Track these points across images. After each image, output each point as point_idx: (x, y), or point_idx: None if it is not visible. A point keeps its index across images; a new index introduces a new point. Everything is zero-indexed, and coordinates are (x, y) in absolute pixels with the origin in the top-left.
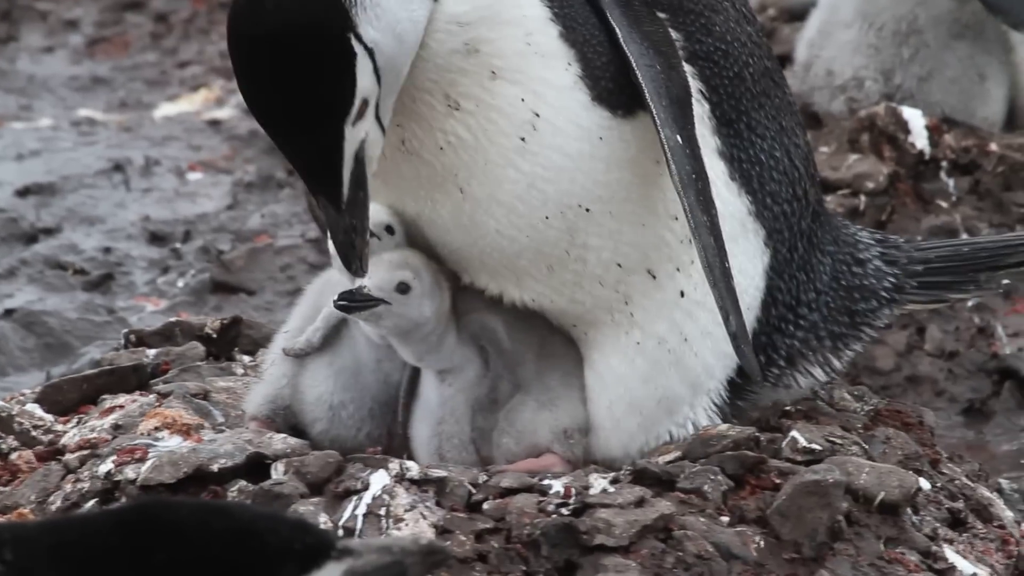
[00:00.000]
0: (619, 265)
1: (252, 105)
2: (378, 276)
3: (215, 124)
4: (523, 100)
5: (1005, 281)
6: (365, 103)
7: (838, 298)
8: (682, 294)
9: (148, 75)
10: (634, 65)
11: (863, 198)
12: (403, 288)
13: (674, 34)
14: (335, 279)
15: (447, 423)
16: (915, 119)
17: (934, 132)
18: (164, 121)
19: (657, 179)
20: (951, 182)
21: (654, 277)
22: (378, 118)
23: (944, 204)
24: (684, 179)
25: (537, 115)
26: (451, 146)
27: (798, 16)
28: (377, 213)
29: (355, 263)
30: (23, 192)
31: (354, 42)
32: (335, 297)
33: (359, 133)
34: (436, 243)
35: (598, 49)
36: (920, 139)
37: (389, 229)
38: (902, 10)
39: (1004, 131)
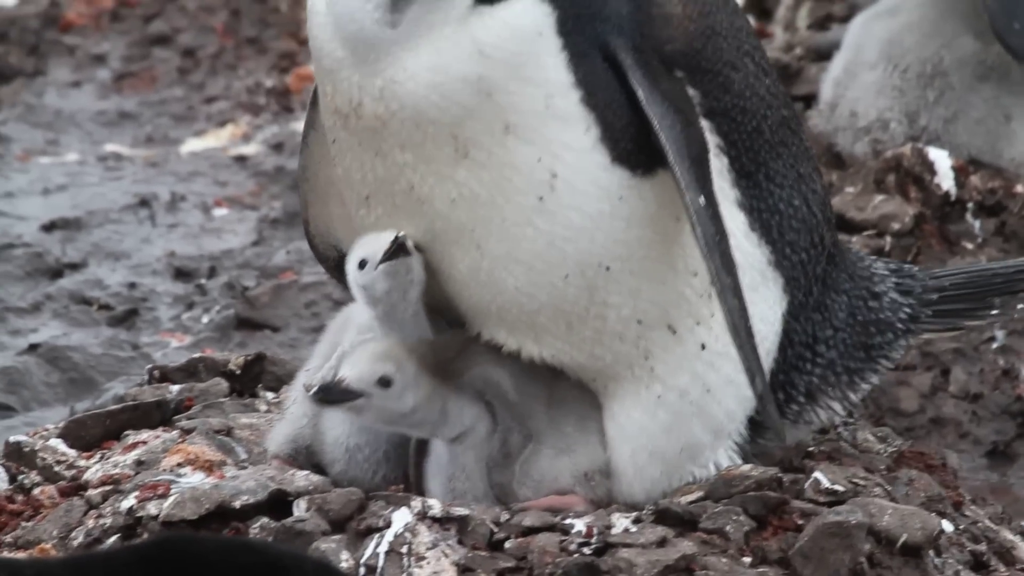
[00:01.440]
0: (639, 322)
1: None
2: (359, 369)
3: (241, 160)
4: (540, 160)
5: (1020, 306)
6: None
7: (854, 334)
8: (703, 346)
9: (175, 110)
10: (656, 127)
11: (889, 239)
12: (385, 382)
13: (691, 91)
14: (355, 316)
15: (458, 480)
16: (941, 160)
17: (960, 173)
18: (190, 156)
19: (677, 236)
20: (977, 223)
21: (674, 332)
22: None
23: (970, 245)
24: (709, 242)
25: (555, 175)
26: (464, 199)
27: (825, 55)
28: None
29: None
30: (49, 227)
31: None
32: (312, 389)
33: None
34: (453, 298)
35: (618, 112)
36: (946, 180)
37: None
38: (927, 52)
39: None
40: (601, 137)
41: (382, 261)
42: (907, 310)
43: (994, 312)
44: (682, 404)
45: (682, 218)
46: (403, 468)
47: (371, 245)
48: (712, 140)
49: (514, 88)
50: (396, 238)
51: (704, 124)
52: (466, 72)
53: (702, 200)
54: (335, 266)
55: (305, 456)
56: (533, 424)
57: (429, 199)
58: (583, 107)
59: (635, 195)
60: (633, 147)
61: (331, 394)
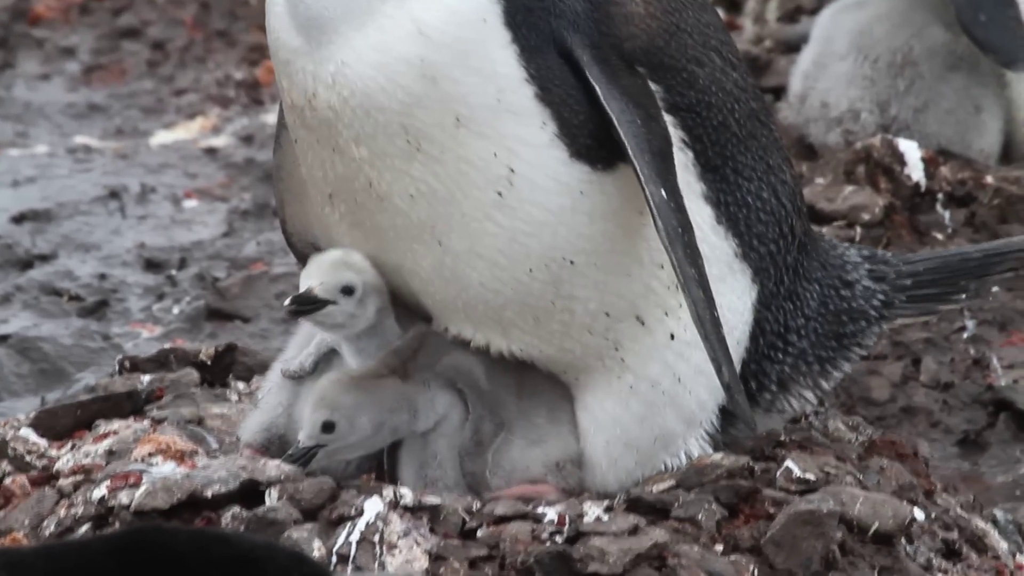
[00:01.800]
0: (607, 314)
1: None
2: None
3: (211, 152)
4: (496, 155)
5: (995, 289)
6: None
7: (826, 323)
8: (672, 336)
9: (144, 103)
10: (615, 122)
11: (859, 230)
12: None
13: (654, 87)
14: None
15: (431, 467)
16: (911, 151)
17: (930, 164)
18: (160, 149)
19: (641, 229)
20: (947, 214)
21: (643, 323)
22: None
23: (940, 236)
24: (671, 234)
25: (512, 171)
26: (423, 196)
27: (794, 48)
28: (336, 273)
29: None
30: (19, 219)
31: None
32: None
33: None
34: (420, 294)
35: (575, 108)
36: (916, 171)
37: (347, 290)
38: (897, 42)
39: (1000, 163)
40: (558, 133)
41: (293, 315)
42: (880, 297)
43: (967, 296)
44: (654, 394)
45: (645, 212)
46: (376, 458)
47: (308, 278)
48: (676, 135)
49: (461, 77)
50: (295, 297)
51: (668, 119)
52: (408, 53)
53: (663, 193)
54: None
55: (278, 445)
56: (504, 413)
57: (388, 196)
58: (538, 103)
59: (596, 190)
60: (592, 142)
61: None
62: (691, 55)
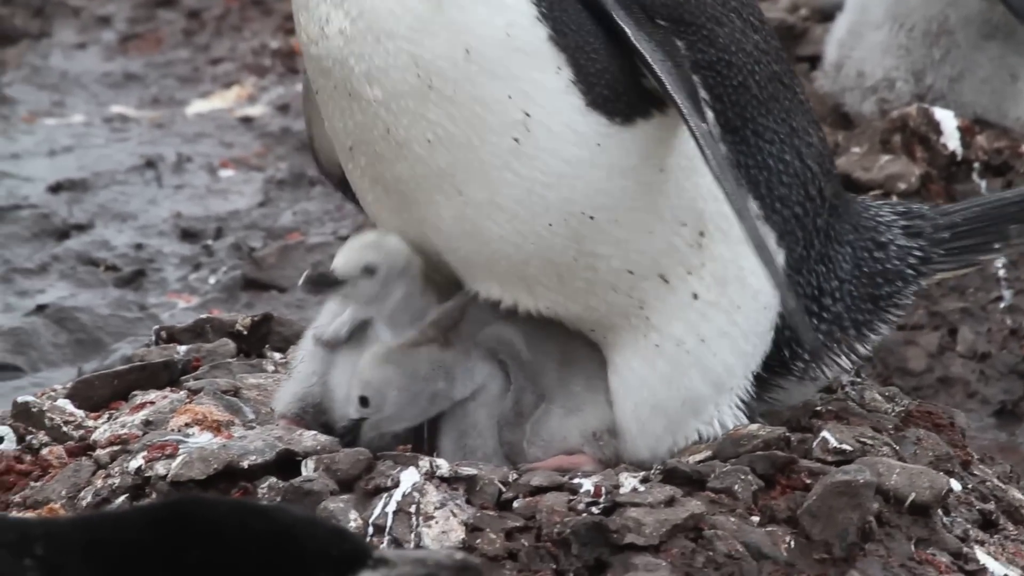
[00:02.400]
0: (630, 272)
1: None
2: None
3: (247, 121)
4: (510, 97)
5: None
6: None
7: (861, 286)
8: (695, 296)
9: (180, 72)
10: (648, 60)
11: (895, 199)
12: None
13: (676, 42)
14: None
15: (470, 436)
16: (947, 120)
17: (966, 133)
18: (196, 118)
19: (661, 186)
20: (983, 183)
21: (667, 281)
22: None
23: None
24: (720, 163)
25: (528, 115)
26: (440, 140)
27: (830, 16)
28: (361, 253)
29: None
30: (55, 188)
31: None
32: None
33: None
34: (444, 251)
35: (592, 56)
36: (952, 140)
37: (368, 270)
38: (932, 11)
39: None
40: (574, 79)
41: (308, 292)
42: (917, 254)
43: (1009, 243)
44: (679, 353)
45: (665, 169)
46: (413, 427)
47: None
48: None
49: (467, 4)
50: (309, 275)
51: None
52: None
53: (705, 126)
54: (339, 182)
55: (312, 415)
56: (545, 383)
57: (407, 142)
58: (552, 45)
59: (614, 143)
60: (609, 93)
61: (317, 281)
62: (710, 13)
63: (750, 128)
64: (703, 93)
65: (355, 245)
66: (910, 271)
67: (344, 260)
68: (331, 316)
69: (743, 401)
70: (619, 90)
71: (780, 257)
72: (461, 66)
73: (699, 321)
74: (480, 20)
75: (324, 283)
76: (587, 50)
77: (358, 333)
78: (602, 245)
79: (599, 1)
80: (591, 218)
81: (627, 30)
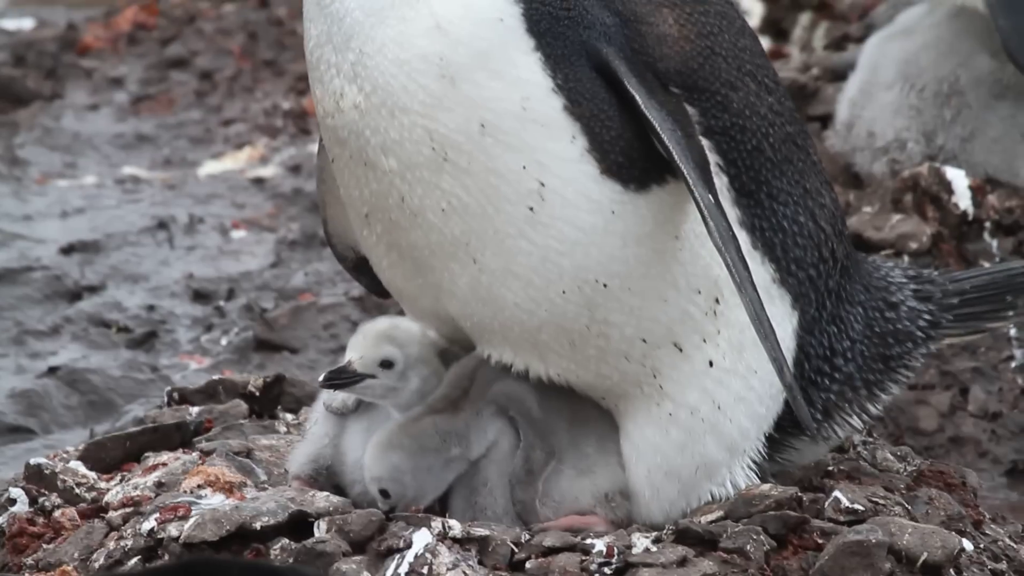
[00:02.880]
0: (643, 340)
1: None
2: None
3: (259, 182)
4: (525, 168)
5: None
6: None
7: (872, 346)
8: (711, 363)
9: (192, 133)
10: (658, 129)
11: (906, 258)
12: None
13: (689, 109)
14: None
15: (480, 495)
16: (958, 180)
17: (977, 193)
18: (208, 179)
19: (676, 254)
20: (994, 243)
21: (681, 349)
22: None
23: (988, 265)
24: (724, 236)
25: (543, 184)
26: (454, 210)
27: (841, 76)
28: (377, 347)
29: None
30: (67, 250)
31: None
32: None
33: None
34: (458, 316)
35: (607, 123)
36: (963, 200)
37: (387, 364)
38: (943, 71)
39: None
40: (588, 147)
41: (330, 388)
42: (926, 317)
43: (1015, 312)
44: (693, 421)
45: (680, 236)
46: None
47: (352, 349)
48: (711, 159)
49: (482, 80)
50: (331, 372)
51: (703, 142)
52: (426, 49)
53: (711, 197)
54: (353, 267)
55: (326, 477)
56: (555, 441)
57: (421, 211)
58: (567, 115)
59: (629, 211)
60: (624, 160)
61: (339, 377)
62: (725, 79)
63: (764, 191)
64: (717, 158)
65: (370, 337)
66: (920, 333)
67: (361, 356)
68: None
69: (755, 462)
70: (633, 157)
71: (794, 319)
72: (476, 139)
73: (715, 388)
74: (495, 95)
75: (343, 380)
76: (601, 118)
77: (367, 403)
78: (615, 313)
79: (612, 69)
80: (604, 286)
81: (638, 98)
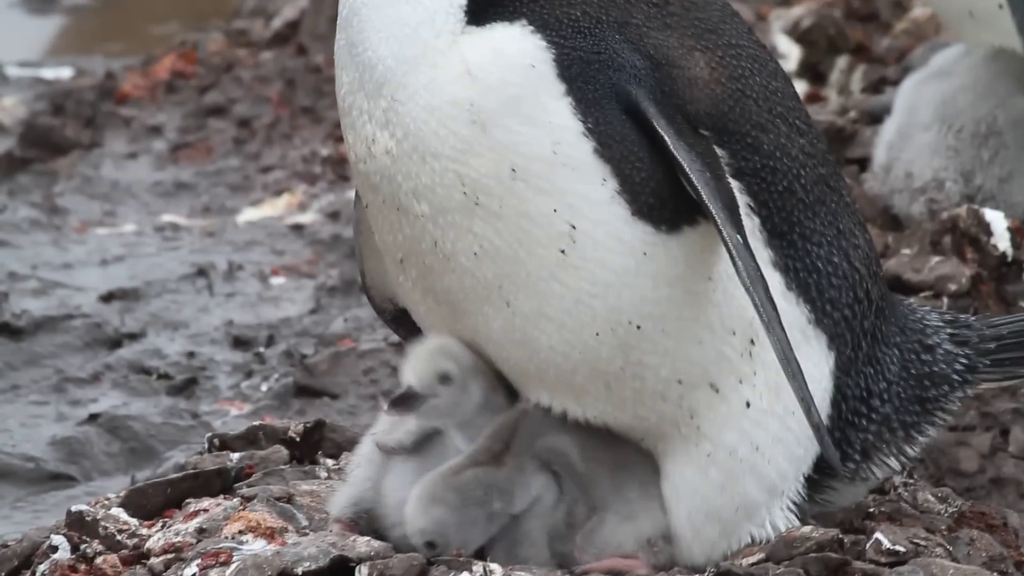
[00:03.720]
0: (679, 381)
1: None
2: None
3: (298, 229)
4: (556, 211)
5: None
6: None
7: (908, 388)
8: (748, 404)
9: (231, 180)
10: (687, 170)
11: (945, 300)
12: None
13: (719, 151)
14: None
15: (522, 547)
16: (997, 221)
17: (1016, 234)
18: (247, 226)
19: (710, 295)
20: None
21: (717, 391)
22: None
23: None
24: (752, 276)
25: (574, 227)
26: (486, 253)
27: (878, 118)
28: (431, 363)
29: None
30: (107, 297)
31: None
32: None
33: None
34: (495, 360)
35: (637, 165)
36: (1003, 241)
37: (444, 379)
38: (981, 112)
39: None
40: (619, 189)
41: (410, 412)
42: (963, 361)
43: None
44: (732, 462)
45: (714, 277)
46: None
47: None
48: (742, 200)
49: (513, 126)
50: (395, 399)
51: (733, 184)
52: (457, 96)
53: (739, 237)
54: (392, 319)
55: (367, 521)
56: (597, 492)
57: (454, 255)
58: (597, 158)
59: (660, 252)
60: (655, 201)
61: (406, 402)
62: (755, 121)
63: (797, 232)
64: (748, 199)
65: (422, 357)
66: (956, 377)
67: (417, 374)
68: (392, 423)
69: (795, 503)
70: (664, 198)
71: (831, 360)
72: (507, 183)
73: (752, 429)
74: (526, 140)
75: (409, 402)
76: (632, 160)
77: (425, 444)
78: (650, 355)
79: (642, 111)
80: (638, 327)
81: (667, 139)
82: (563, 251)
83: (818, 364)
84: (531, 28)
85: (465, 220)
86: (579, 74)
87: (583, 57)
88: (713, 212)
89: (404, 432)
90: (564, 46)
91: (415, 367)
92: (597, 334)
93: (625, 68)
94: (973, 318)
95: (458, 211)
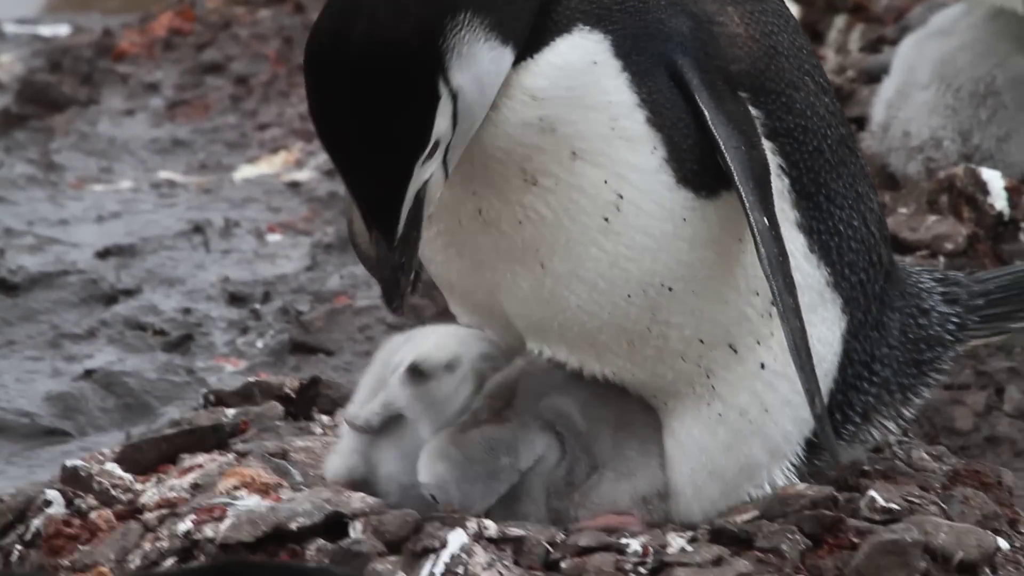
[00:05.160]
0: (701, 341)
1: (321, 130)
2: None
3: (294, 186)
4: (606, 182)
5: None
6: (436, 145)
7: (906, 351)
8: (763, 366)
9: (228, 137)
10: (722, 148)
11: (942, 259)
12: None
13: (754, 112)
14: (397, 347)
15: (522, 503)
16: (994, 180)
17: (1013, 193)
18: (244, 183)
19: (739, 256)
20: None
21: (735, 351)
22: (445, 162)
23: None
24: (772, 263)
25: (621, 196)
26: (531, 221)
27: (877, 77)
28: (437, 351)
29: (396, 300)
30: (103, 254)
31: (441, 86)
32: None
33: (425, 173)
34: (514, 315)
35: (684, 132)
36: (999, 200)
37: (449, 367)
38: (979, 71)
39: None
40: (667, 158)
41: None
42: (955, 320)
43: None
44: (741, 423)
45: (744, 239)
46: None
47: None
48: (774, 161)
49: (577, 118)
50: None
51: (767, 145)
52: (526, 118)
53: (765, 221)
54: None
55: (362, 486)
56: (599, 450)
57: (496, 222)
58: (649, 127)
59: (698, 216)
60: (698, 168)
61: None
62: (788, 79)
63: (823, 193)
64: (780, 160)
65: (438, 339)
66: (949, 337)
67: (429, 354)
68: (369, 392)
69: (794, 466)
70: (707, 163)
71: (843, 323)
72: (566, 164)
73: (764, 391)
74: (588, 124)
75: (414, 378)
76: (680, 126)
77: (393, 422)
78: (676, 315)
79: (685, 80)
80: (669, 289)
81: (707, 114)
82: (606, 219)
83: (831, 327)
84: (588, 28)
85: (516, 195)
86: (632, 48)
87: (634, 33)
88: (743, 194)
89: (370, 412)
90: (617, 30)
91: (430, 346)
92: (628, 296)
93: (672, 37)
94: (962, 275)
95: (514, 191)
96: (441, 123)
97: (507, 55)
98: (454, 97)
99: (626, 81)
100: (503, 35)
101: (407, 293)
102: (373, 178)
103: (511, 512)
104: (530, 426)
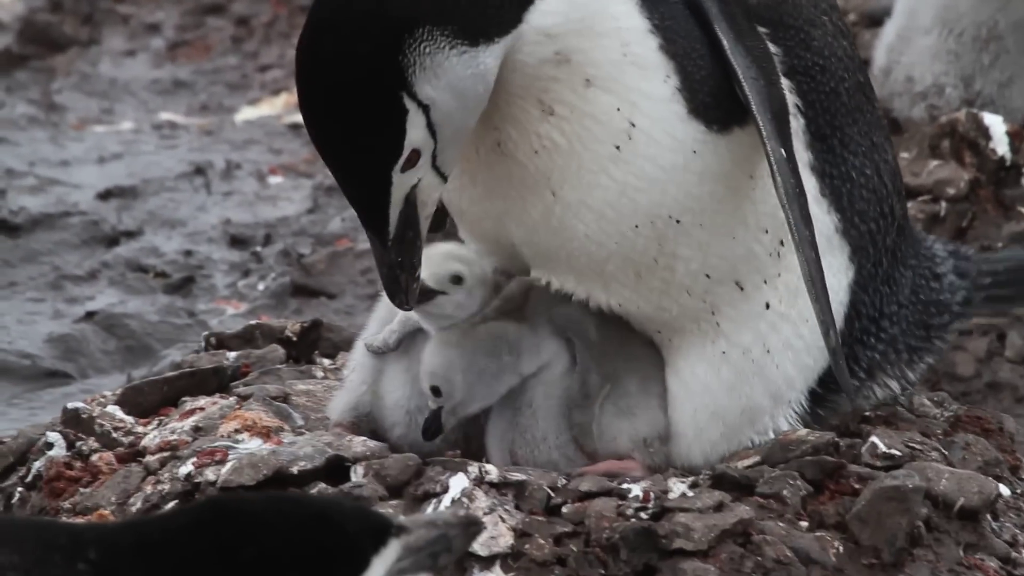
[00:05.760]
0: (707, 276)
1: (309, 132)
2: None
3: (296, 128)
4: (619, 109)
5: None
6: (417, 153)
7: (916, 312)
8: (767, 306)
9: (229, 79)
10: (740, 77)
11: (944, 204)
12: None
13: (773, 48)
14: None
15: (524, 415)
16: (996, 125)
17: (1015, 138)
18: (245, 125)
19: (749, 192)
20: None
21: (742, 288)
22: (436, 166)
23: None
24: (789, 193)
25: (633, 125)
26: (546, 150)
27: (879, 21)
28: (445, 264)
29: (399, 296)
30: (104, 195)
31: (406, 100)
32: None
33: (410, 179)
34: (523, 243)
35: (698, 62)
36: (1001, 145)
37: (456, 279)
38: (982, 16)
39: None
40: (680, 87)
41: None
42: (963, 293)
43: None
44: (744, 362)
45: (755, 175)
46: (463, 428)
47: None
48: (791, 100)
49: (589, 44)
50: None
51: (784, 83)
52: (543, 55)
53: (783, 151)
54: None
55: (366, 423)
56: (609, 366)
57: (512, 152)
58: (662, 54)
59: (709, 150)
60: (711, 101)
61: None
62: (807, 16)
63: (837, 137)
64: (796, 99)
65: (435, 258)
66: (957, 307)
67: (431, 272)
68: (380, 324)
69: (797, 414)
70: (720, 97)
71: (851, 272)
72: (581, 92)
73: (768, 331)
74: (600, 51)
75: (424, 296)
76: (694, 56)
77: (408, 341)
78: (684, 247)
79: (703, 10)
80: (677, 221)
81: (725, 43)
82: (618, 147)
83: (838, 275)
84: None
85: (533, 125)
86: None
87: None
88: (760, 123)
89: (388, 331)
90: None
91: (429, 266)
92: (636, 226)
93: None
94: (972, 251)
95: (529, 122)
96: (415, 134)
97: (485, 54)
98: (425, 108)
99: (634, 6)
100: (472, 38)
101: (411, 290)
102: (356, 186)
103: (512, 425)
104: (539, 331)
